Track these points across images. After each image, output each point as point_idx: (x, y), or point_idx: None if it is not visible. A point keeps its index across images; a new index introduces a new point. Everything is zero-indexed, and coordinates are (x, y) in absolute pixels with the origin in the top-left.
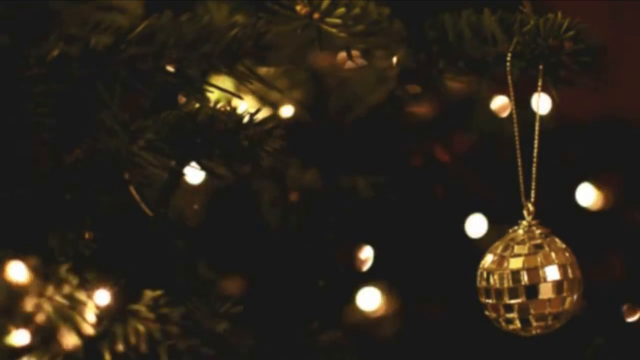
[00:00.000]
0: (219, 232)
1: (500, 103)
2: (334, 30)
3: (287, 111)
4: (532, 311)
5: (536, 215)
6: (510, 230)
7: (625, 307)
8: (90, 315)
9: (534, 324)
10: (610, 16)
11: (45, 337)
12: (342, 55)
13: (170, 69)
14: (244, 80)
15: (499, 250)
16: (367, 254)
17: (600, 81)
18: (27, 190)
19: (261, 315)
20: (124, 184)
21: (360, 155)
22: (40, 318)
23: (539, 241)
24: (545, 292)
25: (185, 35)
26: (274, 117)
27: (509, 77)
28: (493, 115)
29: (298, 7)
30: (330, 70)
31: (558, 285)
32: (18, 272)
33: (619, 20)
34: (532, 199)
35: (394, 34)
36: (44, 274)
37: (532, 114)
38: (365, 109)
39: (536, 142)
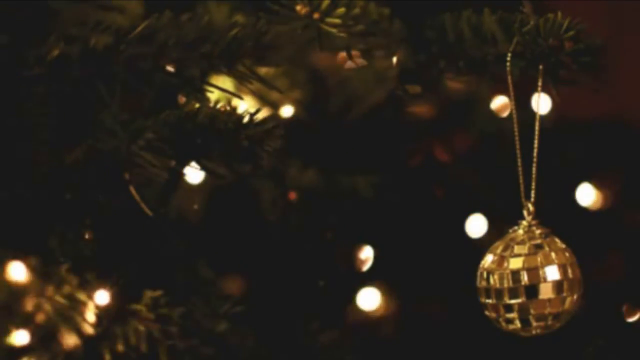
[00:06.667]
0: (219, 232)
1: (500, 103)
2: (334, 30)
3: (287, 111)
4: (532, 311)
5: (536, 215)
6: (510, 230)
7: (625, 307)
8: (90, 315)
9: (534, 324)
10: (610, 16)
11: (45, 337)
12: (342, 55)
13: (170, 69)
14: (244, 80)
15: (499, 250)
16: (367, 254)
17: (600, 81)
18: (27, 190)
19: (261, 315)
20: (124, 184)
21: (360, 155)
22: (40, 318)
23: (539, 241)
24: (545, 292)
25: (185, 35)
26: (274, 117)
27: (509, 77)
28: (493, 115)
29: (298, 7)
30: (330, 70)
31: (558, 285)
32: (18, 272)
33: (619, 20)
34: (532, 199)
35: (394, 34)
36: (44, 274)
37: (532, 114)
38: (365, 109)
39: (536, 142)
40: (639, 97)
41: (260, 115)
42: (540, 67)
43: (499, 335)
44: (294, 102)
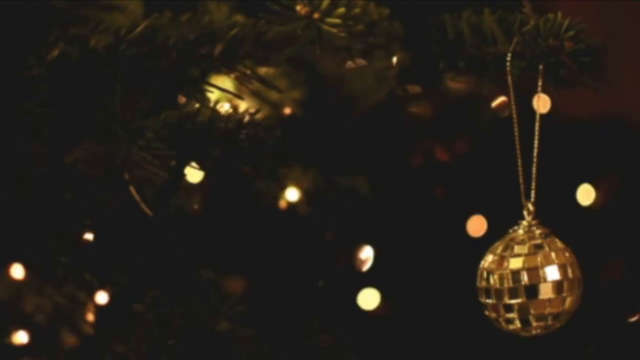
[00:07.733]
0: (219, 232)
1: (500, 103)
2: (334, 30)
3: (287, 111)
4: (532, 311)
5: (536, 215)
6: (510, 230)
7: (625, 308)
8: (90, 315)
9: (534, 324)
10: (610, 16)
11: (45, 337)
12: (342, 55)
13: (170, 69)
14: (244, 80)
15: (499, 250)
16: (367, 254)
17: (600, 81)
18: (27, 190)
19: (261, 315)
20: (124, 184)
21: (360, 155)
22: (40, 318)
23: (539, 241)
24: (545, 292)
25: (185, 35)
26: (274, 117)
27: (509, 77)
28: (493, 115)
29: (298, 7)
30: (330, 70)
31: (558, 285)
32: (18, 272)
33: (619, 20)
34: (532, 199)
35: (394, 34)
36: (44, 274)
37: (532, 114)
38: (365, 109)
39: (536, 142)
40: (639, 97)
41: (260, 115)
42: (540, 67)
43: (499, 335)
44: (294, 102)
